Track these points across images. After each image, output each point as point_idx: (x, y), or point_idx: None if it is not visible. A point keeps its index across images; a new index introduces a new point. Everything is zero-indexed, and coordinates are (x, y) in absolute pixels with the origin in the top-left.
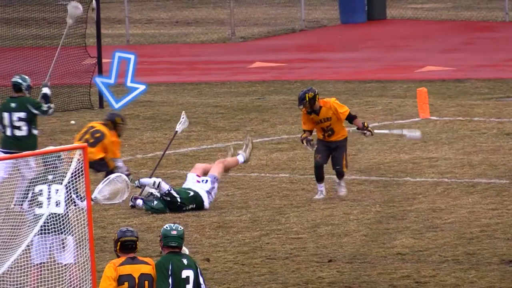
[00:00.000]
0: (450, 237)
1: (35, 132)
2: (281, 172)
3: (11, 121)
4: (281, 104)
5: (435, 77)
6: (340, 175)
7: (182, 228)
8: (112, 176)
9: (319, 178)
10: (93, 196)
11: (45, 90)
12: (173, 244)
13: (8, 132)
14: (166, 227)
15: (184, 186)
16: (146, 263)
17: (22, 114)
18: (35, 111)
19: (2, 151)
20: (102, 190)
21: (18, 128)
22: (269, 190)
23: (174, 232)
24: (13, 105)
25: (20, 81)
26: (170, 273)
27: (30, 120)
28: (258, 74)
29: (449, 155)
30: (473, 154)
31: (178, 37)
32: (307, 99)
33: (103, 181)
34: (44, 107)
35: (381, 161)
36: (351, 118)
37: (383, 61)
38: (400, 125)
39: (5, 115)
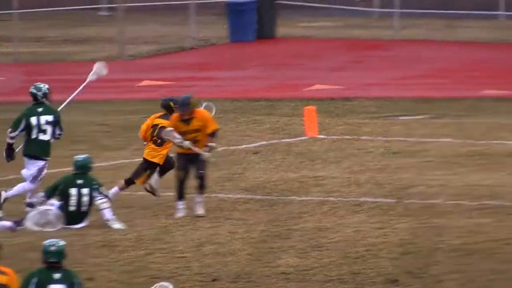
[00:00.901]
0: (335, 256)
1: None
2: (167, 191)
3: (39, 124)
4: None
5: (324, 95)
6: (202, 186)
7: (63, 244)
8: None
9: (181, 195)
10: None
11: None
12: (51, 260)
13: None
14: (46, 243)
15: None
16: (3, 273)
17: (49, 117)
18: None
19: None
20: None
21: (44, 131)
22: (155, 209)
23: (53, 248)
24: (39, 109)
25: (34, 91)
26: (34, 286)
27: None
28: (147, 93)
29: (335, 174)
30: (359, 173)
31: (67, 55)
32: (191, 104)
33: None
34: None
35: (268, 179)
36: (212, 135)
37: (272, 79)
38: (287, 144)
39: (33, 119)
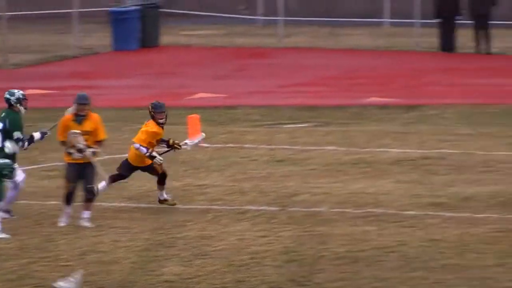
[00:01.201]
0: (219, 265)
1: (7, 145)
2: (51, 200)
3: None
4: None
5: (207, 104)
6: (90, 200)
7: None
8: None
9: (68, 202)
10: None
11: (36, 134)
12: None
13: None
14: None
15: None
16: None
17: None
18: (8, 128)
19: None
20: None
21: None
22: (38, 217)
23: None
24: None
25: (7, 96)
26: None
27: (5, 133)
28: (30, 101)
29: (219, 182)
30: (243, 181)
31: None
32: (90, 99)
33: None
34: (16, 135)
35: (151, 188)
36: (99, 143)
37: (156, 88)
38: (171, 152)
39: None
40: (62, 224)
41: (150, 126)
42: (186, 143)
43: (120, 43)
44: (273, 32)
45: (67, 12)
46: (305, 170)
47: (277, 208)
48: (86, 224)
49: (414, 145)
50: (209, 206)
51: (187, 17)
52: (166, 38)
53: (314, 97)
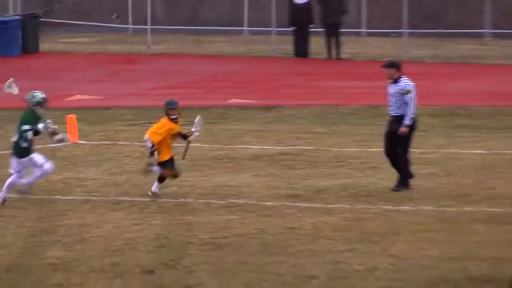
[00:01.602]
0: (97, 249)
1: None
2: None
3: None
4: None
5: (84, 105)
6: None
7: None
8: None
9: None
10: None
11: (57, 136)
12: None
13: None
14: None
15: None
16: None
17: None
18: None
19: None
20: None
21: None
22: None
23: None
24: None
25: (28, 97)
26: None
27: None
28: None
29: (96, 176)
30: (118, 174)
31: None
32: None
33: None
34: (26, 127)
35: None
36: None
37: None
38: (51, 149)
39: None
40: None
41: (163, 122)
42: (193, 131)
43: (2, 50)
44: (143, 39)
45: None
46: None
47: (148, 199)
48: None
49: (272, 142)
50: (87, 197)
51: (65, 26)
52: (45, 45)
53: (182, 98)
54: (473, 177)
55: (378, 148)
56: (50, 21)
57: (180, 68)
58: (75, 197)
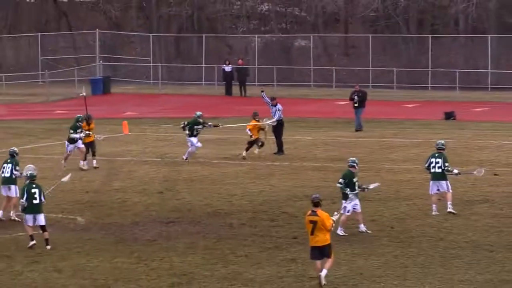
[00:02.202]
0: None
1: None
2: None
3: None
4: None
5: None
6: None
7: None
8: None
9: None
10: None
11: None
12: None
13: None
14: None
15: None
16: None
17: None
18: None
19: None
20: None
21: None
22: None
23: None
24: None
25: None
26: None
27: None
28: None
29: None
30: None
31: None
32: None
33: None
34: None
35: None
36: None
37: None
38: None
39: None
40: None
41: (253, 122)
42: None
43: (94, 92)
44: None
45: None
46: None
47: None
48: None
49: None
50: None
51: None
52: (114, 89)
53: None
54: (306, 148)
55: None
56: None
57: None
58: None
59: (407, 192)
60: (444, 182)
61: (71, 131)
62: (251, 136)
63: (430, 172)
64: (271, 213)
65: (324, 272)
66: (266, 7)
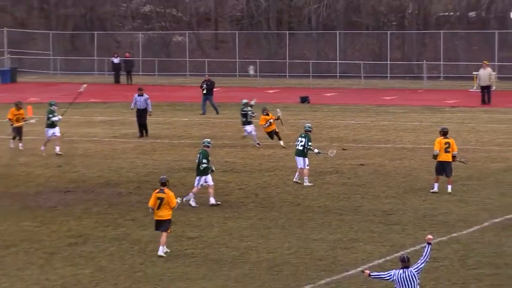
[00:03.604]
0: None
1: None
2: None
3: None
4: None
5: None
6: None
7: None
8: None
9: None
10: None
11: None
12: None
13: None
14: None
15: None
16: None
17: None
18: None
19: None
20: None
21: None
22: None
23: None
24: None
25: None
26: None
27: None
28: None
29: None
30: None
31: None
32: None
33: None
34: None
35: None
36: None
37: None
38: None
39: None
40: None
41: (270, 115)
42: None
43: None
44: None
45: None
46: None
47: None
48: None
49: None
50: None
51: None
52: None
53: None
54: (183, 128)
55: None
56: (20, 70)
57: None
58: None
59: (269, 165)
60: (302, 158)
61: (50, 115)
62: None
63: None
64: (154, 183)
65: (161, 249)
66: (148, 8)
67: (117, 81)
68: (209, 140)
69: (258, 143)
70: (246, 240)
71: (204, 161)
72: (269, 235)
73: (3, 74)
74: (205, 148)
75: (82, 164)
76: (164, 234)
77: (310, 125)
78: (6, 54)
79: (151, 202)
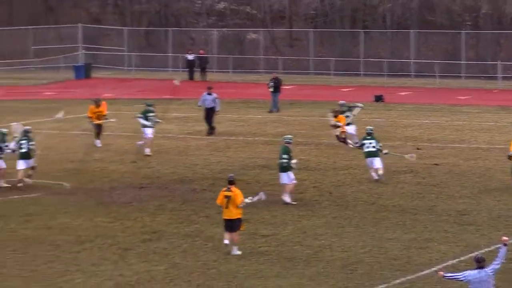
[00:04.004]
0: None
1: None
2: None
3: None
4: None
5: None
6: None
7: None
8: None
9: None
10: None
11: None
12: None
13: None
14: None
15: None
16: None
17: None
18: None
19: None
20: None
21: None
22: None
23: None
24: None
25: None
26: None
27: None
28: None
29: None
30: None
31: None
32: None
33: None
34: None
35: None
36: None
37: None
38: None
39: None
40: None
41: (340, 117)
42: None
43: None
44: None
45: None
46: None
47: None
48: None
49: None
50: None
51: None
52: None
53: None
54: (257, 125)
55: None
56: (95, 66)
57: None
58: None
59: (343, 163)
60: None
61: (148, 115)
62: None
63: (364, 151)
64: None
65: (235, 250)
66: (223, 5)
67: (191, 77)
68: (290, 136)
69: (352, 144)
70: (320, 238)
71: (285, 156)
72: (343, 233)
73: (77, 70)
74: (286, 145)
75: (156, 160)
76: (235, 234)
77: (372, 127)
78: (80, 49)
79: (219, 201)
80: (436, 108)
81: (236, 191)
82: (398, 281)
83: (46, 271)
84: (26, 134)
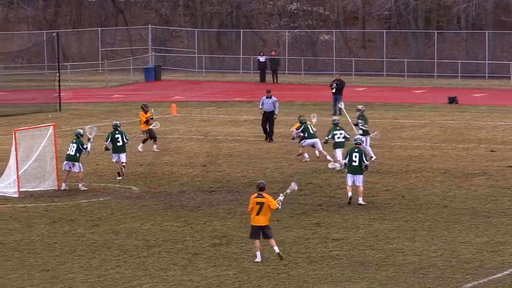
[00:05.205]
0: None
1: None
2: None
3: None
4: None
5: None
6: None
7: None
8: None
9: None
10: None
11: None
12: None
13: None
14: None
15: None
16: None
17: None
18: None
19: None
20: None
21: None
22: None
23: None
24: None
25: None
26: None
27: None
28: None
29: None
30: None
31: None
32: None
33: None
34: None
35: None
36: None
37: None
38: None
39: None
40: None
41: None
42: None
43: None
44: None
45: None
46: None
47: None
48: None
49: None
50: None
51: None
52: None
53: None
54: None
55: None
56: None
57: None
58: None
59: (416, 166)
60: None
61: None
62: None
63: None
64: (299, 183)
65: (276, 249)
66: (295, 6)
67: (262, 80)
68: (360, 137)
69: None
70: (392, 242)
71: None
72: (415, 237)
73: (147, 72)
74: (356, 146)
75: (226, 163)
76: (271, 240)
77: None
78: (150, 51)
79: (250, 208)
80: (510, 110)
81: (268, 197)
82: (470, 284)
83: (114, 276)
84: (117, 128)
